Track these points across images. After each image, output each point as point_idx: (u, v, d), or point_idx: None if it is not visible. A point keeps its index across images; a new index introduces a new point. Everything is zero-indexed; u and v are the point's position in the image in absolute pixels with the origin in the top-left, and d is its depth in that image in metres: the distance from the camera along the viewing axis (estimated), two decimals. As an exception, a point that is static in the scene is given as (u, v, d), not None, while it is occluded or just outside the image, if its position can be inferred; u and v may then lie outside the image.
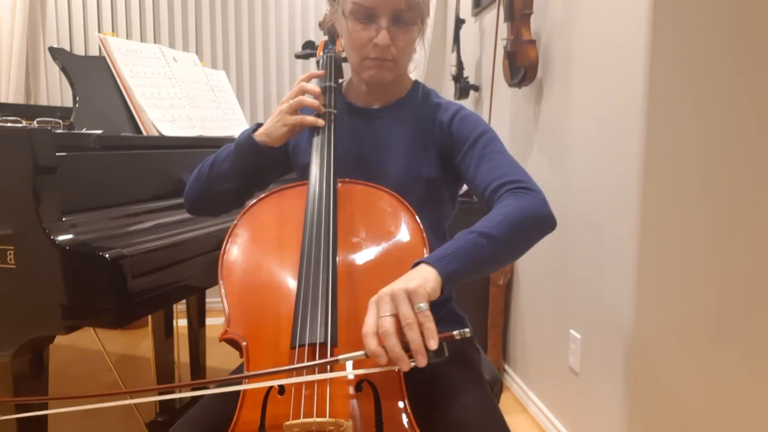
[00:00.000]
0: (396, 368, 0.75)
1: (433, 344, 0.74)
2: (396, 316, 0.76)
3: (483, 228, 0.90)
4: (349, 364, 0.82)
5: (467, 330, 0.77)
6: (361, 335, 0.76)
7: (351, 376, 0.82)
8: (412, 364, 0.74)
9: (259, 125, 1.10)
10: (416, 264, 0.85)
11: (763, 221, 1.57)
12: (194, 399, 2.02)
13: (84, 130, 1.40)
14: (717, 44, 1.50)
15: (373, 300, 0.79)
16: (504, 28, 2.25)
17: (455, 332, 0.77)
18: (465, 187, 1.19)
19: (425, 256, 0.88)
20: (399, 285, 0.78)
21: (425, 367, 0.74)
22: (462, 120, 1.10)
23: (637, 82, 1.53)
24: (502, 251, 0.91)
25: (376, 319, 0.77)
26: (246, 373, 0.83)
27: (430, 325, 0.75)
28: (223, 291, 0.93)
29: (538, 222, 0.96)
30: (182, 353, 2.16)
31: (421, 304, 0.76)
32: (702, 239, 1.55)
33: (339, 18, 1.09)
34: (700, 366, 1.59)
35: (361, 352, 0.76)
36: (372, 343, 0.75)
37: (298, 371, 0.79)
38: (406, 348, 0.74)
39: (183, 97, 1.82)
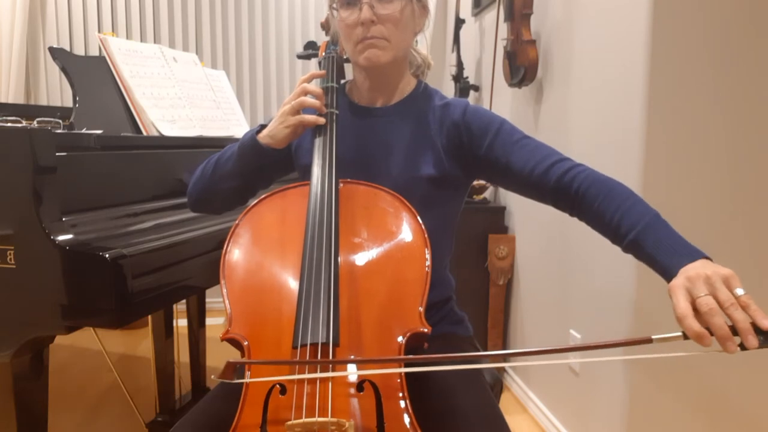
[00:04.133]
0: (719, 350, 0.70)
1: (767, 323, 0.70)
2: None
3: (651, 209, 0.91)
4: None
5: None
6: (678, 319, 0.72)
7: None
8: (738, 348, 0.70)
9: (263, 126, 1.10)
10: (690, 263, 0.80)
11: (764, 226, 1.57)
12: (195, 398, 2.03)
13: (84, 130, 1.40)
14: (717, 44, 1.50)
15: (680, 284, 0.75)
16: (504, 28, 2.25)
17: None
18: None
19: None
20: (710, 270, 0.75)
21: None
22: (475, 114, 1.10)
23: (637, 82, 1.53)
24: None
25: (688, 300, 0.73)
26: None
27: (758, 308, 0.71)
28: (224, 291, 0.93)
29: None
30: (182, 353, 2.16)
31: (739, 289, 0.73)
32: (702, 239, 1.54)
33: (333, 18, 1.11)
34: (700, 366, 1.59)
35: (677, 333, 0.72)
36: (695, 325, 0.71)
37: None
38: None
39: (183, 97, 1.82)
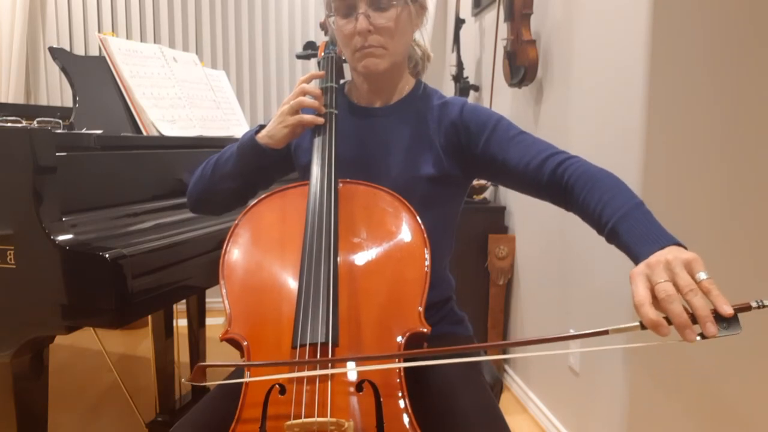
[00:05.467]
0: (679, 341, 0.67)
1: (728, 309, 0.66)
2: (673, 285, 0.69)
3: (634, 198, 0.89)
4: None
5: (767, 301, 0.67)
6: (635, 307, 0.69)
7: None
8: (698, 337, 0.67)
9: (262, 127, 1.11)
10: (658, 249, 0.77)
11: (763, 224, 1.57)
12: (195, 398, 2.03)
13: (84, 130, 1.40)
14: (717, 44, 1.50)
15: (640, 271, 0.73)
16: (504, 28, 2.25)
17: (752, 303, 0.68)
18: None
19: (431, 253, 0.85)
20: (671, 255, 0.72)
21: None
22: (473, 111, 1.10)
23: (637, 82, 1.53)
24: None
25: (647, 288, 0.70)
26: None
27: (720, 293, 0.68)
28: (224, 291, 0.93)
29: None
30: (182, 353, 2.16)
31: (702, 273, 0.70)
32: (702, 239, 1.55)
33: (330, 26, 1.11)
34: (700, 366, 1.59)
35: (635, 323, 0.69)
36: (651, 312, 0.68)
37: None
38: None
39: (183, 97, 1.82)
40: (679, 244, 0.78)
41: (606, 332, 0.70)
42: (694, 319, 0.68)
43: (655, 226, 0.82)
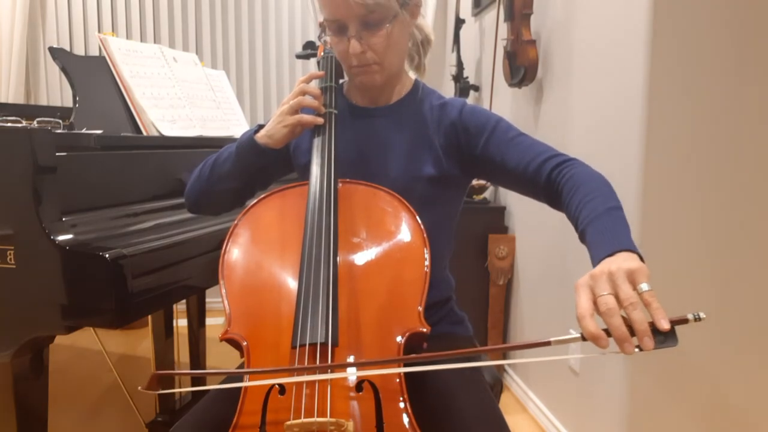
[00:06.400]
0: (616, 352, 0.67)
1: (665, 324, 0.67)
2: (614, 297, 0.70)
3: (611, 202, 0.88)
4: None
5: (702, 314, 0.68)
6: (577, 319, 0.70)
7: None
8: (636, 349, 0.68)
9: (261, 126, 1.10)
10: (608, 255, 0.77)
11: (763, 224, 1.57)
12: (195, 398, 2.03)
13: (84, 130, 1.40)
14: (717, 44, 1.50)
15: (584, 282, 0.73)
16: (504, 28, 2.25)
17: (689, 315, 0.68)
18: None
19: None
20: (615, 265, 0.72)
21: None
22: (472, 112, 1.10)
23: (637, 82, 1.53)
24: None
25: (590, 300, 0.71)
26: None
27: (659, 306, 0.69)
28: (223, 291, 0.93)
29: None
30: (182, 353, 2.16)
31: (644, 285, 0.70)
32: (702, 239, 1.55)
33: (326, 44, 1.12)
34: (699, 365, 1.59)
35: (575, 335, 0.70)
36: (591, 325, 0.69)
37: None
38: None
39: (183, 97, 1.82)
40: (631, 250, 0.77)
41: (548, 343, 0.71)
42: (633, 330, 0.68)
43: (615, 231, 0.82)
